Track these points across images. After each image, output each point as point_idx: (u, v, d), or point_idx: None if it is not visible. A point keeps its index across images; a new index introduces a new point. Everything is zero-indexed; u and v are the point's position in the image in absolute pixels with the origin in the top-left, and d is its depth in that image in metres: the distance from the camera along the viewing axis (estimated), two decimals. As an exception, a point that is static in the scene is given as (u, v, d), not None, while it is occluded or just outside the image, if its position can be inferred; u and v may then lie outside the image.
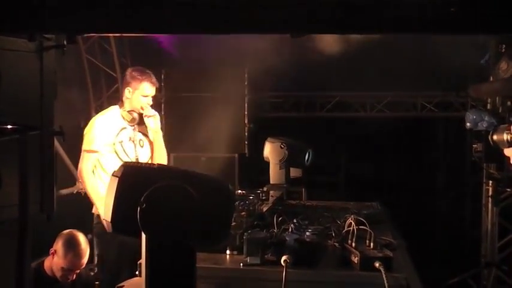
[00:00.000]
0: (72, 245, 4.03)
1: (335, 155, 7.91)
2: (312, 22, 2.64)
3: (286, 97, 8.14)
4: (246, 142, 7.68)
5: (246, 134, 7.69)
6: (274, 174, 5.38)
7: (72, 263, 4.02)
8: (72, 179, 7.00)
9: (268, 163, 5.42)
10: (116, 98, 7.17)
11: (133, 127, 4.88)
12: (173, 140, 5.58)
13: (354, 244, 3.46)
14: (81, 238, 4.12)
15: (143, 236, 2.55)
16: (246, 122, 7.72)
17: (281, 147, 5.38)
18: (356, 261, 3.30)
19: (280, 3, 2.62)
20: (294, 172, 5.54)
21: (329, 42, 6.59)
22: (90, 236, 7.16)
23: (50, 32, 3.17)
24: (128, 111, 4.85)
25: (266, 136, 5.54)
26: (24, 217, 3.23)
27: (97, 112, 7.15)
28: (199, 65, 6.72)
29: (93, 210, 4.81)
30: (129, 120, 4.84)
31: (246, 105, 7.76)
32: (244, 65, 7.05)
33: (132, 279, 3.45)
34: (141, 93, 4.82)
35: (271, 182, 5.32)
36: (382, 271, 3.07)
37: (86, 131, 4.72)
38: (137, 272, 3.62)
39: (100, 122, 4.77)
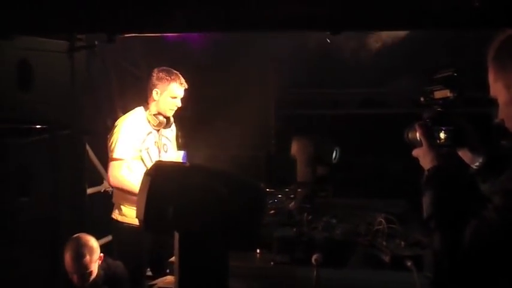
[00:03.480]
0: (69, 248, 3.95)
1: (361, 152, 7.84)
2: (349, 20, 2.64)
3: (313, 94, 8.09)
4: (273, 140, 7.64)
5: (273, 131, 7.66)
6: (301, 172, 5.32)
7: (70, 266, 3.94)
8: (98, 177, 7.02)
9: (295, 161, 5.38)
10: (141, 97, 7.22)
11: (158, 131, 4.67)
12: (199, 139, 5.56)
13: (384, 243, 3.44)
14: (83, 241, 3.98)
15: (176, 234, 2.55)
16: (272, 119, 7.69)
17: (308, 144, 5.35)
18: (387, 260, 3.28)
19: (319, 2, 2.62)
20: (321, 170, 5.49)
21: (355, 39, 6.55)
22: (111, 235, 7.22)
23: (89, 33, 3.20)
24: (154, 115, 4.61)
25: (293, 134, 5.51)
26: (56, 216, 3.28)
27: (122, 111, 7.20)
28: (225, 63, 6.70)
29: (114, 215, 4.65)
30: (155, 124, 4.61)
31: (272, 103, 7.73)
32: (271, 62, 7.02)
33: (164, 277, 3.47)
34: (169, 94, 4.58)
35: (298, 180, 5.26)
36: (414, 270, 3.04)
37: (112, 139, 4.47)
38: (168, 271, 3.64)
39: (125, 129, 4.50)
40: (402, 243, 3.50)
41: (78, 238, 3.94)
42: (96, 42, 3.33)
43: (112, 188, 4.79)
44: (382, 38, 6.49)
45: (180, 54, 6.38)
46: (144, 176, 2.71)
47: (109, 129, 7.04)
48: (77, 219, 3.86)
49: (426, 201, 2.06)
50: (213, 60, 6.70)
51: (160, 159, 4.60)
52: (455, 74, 2.20)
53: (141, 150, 4.47)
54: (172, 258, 3.53)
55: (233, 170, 2.86)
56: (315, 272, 3.03)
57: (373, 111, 8.06)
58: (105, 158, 6.77)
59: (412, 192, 5.86)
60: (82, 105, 3.67)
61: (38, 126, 3.30)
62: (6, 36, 3.00)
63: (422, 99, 2.33)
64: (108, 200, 7.05)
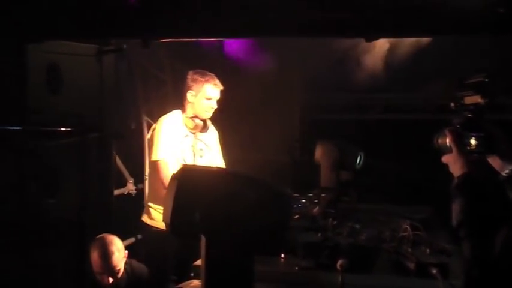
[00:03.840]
0: (96, 249, 3.99)
1: (385, 158, 7.80)
2: (384, 26, 2.64)
3: (338, 99, 8.07)
4: (297, 144, 7.64)
5: (297, 136, 7.65)
6: (325, 177, 5.31)
7: (100, 266, 3.97)
8: (122, 179, 7.07)
9: (319, 166, 5.38)
10: (165, 101, 7.25)
11: (194, 135, 4.66)
12: (224, 142, 5.54)
13: (409, 249, 3.42)
14: (108, 240, 4.02)
15: (202, 238, 2.56)
16: (297, 124, 7.69)
17: (332, 150, 5.33)
18: (412, 267, 3.26)
19: (354, 8, 2.62)
20: (345, 175, 5.48)
21: (379, 44, 6.53)
22: (140, 236, 7.27)
23: (125, 38, 3.23)
24: (191, 118, 4.61)
25: (317, 138, 5.49)
26: (82, 218, 3.32)
27: (147, 114, 7.24)
28: (250, 67, 6.71)
29: (143, 218, 4.65)
30: (191, 127, 4.60)
31: (297, 107, 7.73)
32: (297, 66, 7.02)
33: (189, 281, 3.48)
34: (204, 96, 4.57)
35: (322, 184, 5.25)
36: (439, 278, 3.02)
37: (153, 142, 4.49)
38: (192, 274, 3.65)
39: (162, 132, 4.50)
40: (427, 250, 3.49)
41: (105, 238, 3.97)
42: (124, 46, 3.35)
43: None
44: (405, 43, 6.46)
45: (205, 57, 6.40)
46: (171, 179, 2.73)
47: (133, 132, 7.17)
48: (103, 221, 3.89)
49: (456, 208, 2.05)
50: (238, 64, 6.72)
51: (196, 163, 4.58)
52: (487, 80, 2.18)
53: (178, 153, 4.46)
54: (197, 262, 3.56)
55: (257, 174, 2.84)
56: (339, 278, 3.03)
57: (398, 117, 8.02)
58: (131, 160, 6.85)
59: (437, 199, 5.83)
60: (110, 109, 3.71)
61: (67, 129, 3.33)
62: (38, 41, 3.04)
63: (452, 104, 2.31)
64: (132, 202, 7.13)
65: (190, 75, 4.61)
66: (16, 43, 3.03)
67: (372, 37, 2.77)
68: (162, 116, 7.08)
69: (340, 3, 2.70)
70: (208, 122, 4.67)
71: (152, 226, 4.48)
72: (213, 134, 4.82)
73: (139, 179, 7.27)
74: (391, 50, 6.62)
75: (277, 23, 2.78)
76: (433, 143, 2.42)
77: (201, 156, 4.66)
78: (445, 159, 2.27)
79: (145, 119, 7.21)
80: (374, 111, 8.08)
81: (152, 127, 4.62)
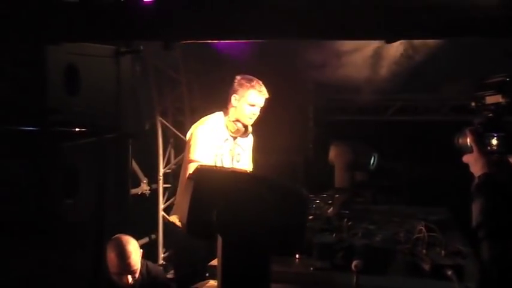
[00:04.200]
0: (114, 248, 4.00)
1: (398, 159, 7.78)
2: (405, 28, 2.65)
3: (351, 100, 8.07)
4: (311, 145, 7.65)
5: (311, 137, 7.67)
6: (339, 178, 5.32)
7: (119, 266, 4.00)
8: (136, 180, 7.11)
9: (333, 167, 5.38)
10: (180, 101, 7.29)
11: (234, 139, 4.62)
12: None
13: (424, 251, 3.42)
14: (126, 240, 4.05)
15: (219, 239, 2.57)
16: (311, 125, 7.70)
17: (346, 151, 5.34)
18: (427, 269, 3.26)
19: (374, 11, 2.64)
20: (359, 176, 5.48)
21: (393, 45, 6.52)
22: (154, 236, 7.32)
23: (147, 40, 3.25)
24: (233, 121, 4.56)
25: (331, 139, 5.50)
26: (100, 218, 3.35)
27: (161, 115, 7.28)
28: (264, 68, 6.70)
29: (171, 218, 4.64)
30: (233, 131, 4.55)
31: (311, 108, 7.74)
32: (310, 67, 7.01)
33: (205, 281, 3.49)
34: (247, 101, 4.52)
35: (336, 185, 5.27)
36: (455, 280, 3.02)
37: (192, 141, 4.42)
38: (207, 274, 3.67)
39: (204, 132, 4.45)
40: (443, 252, 3.48)
41: (121, 238, 3.99)
42: (141, 47, 3.38)
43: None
44: (420, 43, 6.44)
45: (220, 58, 6.41)
46: (188, 179, 2.74)
47: (147, 132, 7.21)
48: (120, 221, 3.91)
49: (475, 209, 2.04)
50: (252, 65, 6.72)
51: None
52: (508, 79, 2.18)
53: (216, 155, 4.45)
54: (213, 262, 3.57)
55: (272, 175, 2.85)
56: (354, 279, 3.03)
57: (412, 118, 8.00)
58: (145, 160, 6.89)
59: (452, 200, 5.80)
60: (127, 109, 3.73)
61: (85, 130, 3.36)
62: (59, 43, 3.07)
63: (473, 104, 2.31)
64: (146, 202, 7.18)
65: (237, 80, 4.56)
66: (36, 44, 3.06)
67: (392, 38, 2.78)
68: (177, 117, 7.24)
69: (361, 6, 2.71)
70: (250, 128, 4.64)
71: (180, 227, 4.44)
72: (250, 140, 4.82)
73: (153, 179, 7.32)
74: (405, 51, 6.60)
75: (298, 26, 2.79)
76: (451, 143, 2.42)
77: (238, 161, 4.64)
78: (466, 159, 2.26)
79: (159, 119, 7.26)
80: (388, 112, 8.07)
81: (194, 125, 4.57)
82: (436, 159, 7.85)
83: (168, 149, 7.42)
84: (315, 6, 2.75)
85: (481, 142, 2.20)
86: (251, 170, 4.84)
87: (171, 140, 7.35)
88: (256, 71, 6.43)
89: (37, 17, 2.90)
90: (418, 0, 2.70)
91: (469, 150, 2.25)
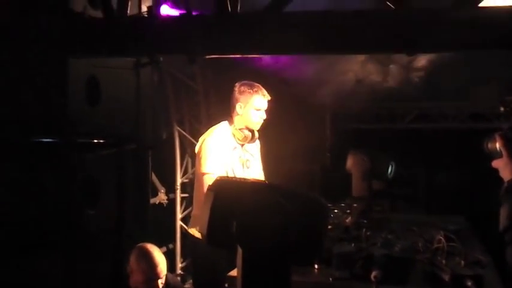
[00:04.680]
0: (144, 256, 4.02)
1: (416, 167, 7.77)
2: (424, 41, 2.66)
3: (368, 108, 8.07)
4: (328, 154, 7.65)
5: (328, 145, 7.67)
6: (357, 186, 5.32)
7: (148, 273, 4.01)
8: (154, 189, 7.13)
9: (350, 175, 5.38)
10: (197, 111, 7.31)
11: (242, 146, 4.65)
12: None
13: (443, 261, 3.41)
14: (153, 248, 4.08)
15: (239, 249, 2.58)
16: (328, 133, 7.71)
17: (363, 159, 5.34)
18: (446, 279, 3.25)
19: (395, 24, 2.65)
20: (377, 184, 5.47)
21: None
22: (171, 246, 7.33)
23: (170, 54, 3.27)
24: (240, 129, 4.59)
25: (349, 148, 5.50)
26: (120, 229, 3.38)
27: (178, 124, 7.30)
28: (281, 76, 6.72)
29: (190, 231, 4.66)
30: (240, 138, 4.59)
31: (328, 116, 7.74)
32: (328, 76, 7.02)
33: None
34: (253, 107, 4.56)
35: (354, 194, 5.27)
36: (475, 290, 3.01)
37: (202, 153, 4.46)
38: (227, 285, 3.68)
39: (213, 143, 4.49)
40: (462, 261, 3.47)
41: (148, 246, 4.02)
42: (160, 58, 3.41)
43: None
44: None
45: (236, 67, 6.43)
46: (207, 191, 2.75)
47: (164, 141, 7.23)
48: (140, 231, 3.93)
49: (503, 213, 2.04)
50: (269, 73, 6.74)
51: (244, 175, 4.60)
52: None
53: (227, 164, 4.48)
54: (232, 273, 3.59)
55: (290, 184, 2.86)
56: (374, 289, 3.03)
57: (430, 126, 7.98)
58: (162, 169, 6.90)
59: (470, 208, 5.76)
60: (146, 120, 3.76)
61: (105, 141, 3.39)
62: (85, 56, 3.12)
63: (502, 109, 2.32)
64: (163, 211, 7.20)
65: (237, 87, 4.60)
66: (60, 57, 3.10)
67: (413, 51, 2.79)
68: (194, 126, 7.26)
69: (382, 20, 2.73)
70: (256, 134, 4.68)
71: (200, 239, 4.45)
72: (257, 145, 4.85)
73: (170, 188, 7.34)
74: (422, 59, 6.59)
75: (318, 40, 2.81)
76: (469, 150, 2.42)
77: (248, 167, 4.68)
78: (495, 164, 2.26)
79: (177, 128, 7.28)
80: (405, 120, 8.06)
81: (201, 138, 4.60)
82: (453, 167, 7.84)
83: (186, 159, 7.44)
84: (334, 21, 2.77)
85: (511, 147, 2.19)
86: (262, 175, 4.88)
87: (188, 150, 7.37)
88: (272, 78, 6.48)
89: (62, 31, 2.94)
90: (433, 14, 2.71)
91: (499, 155, 2.26)
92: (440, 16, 2.67)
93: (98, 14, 3.43)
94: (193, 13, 2.95)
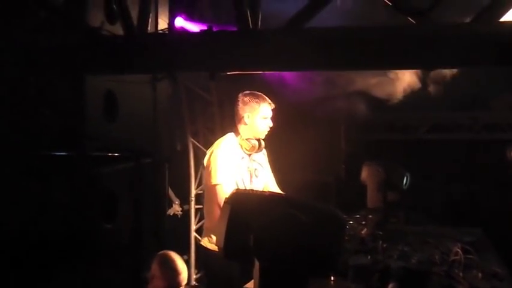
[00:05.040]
0: (167, 262, 4.06)
1: (431, 178, 7.73)
2: (444, 56, 2.67)
3: (383, 119, 8.06)
4: (343, 165, 7.64)
5: (343, 156, 7.66)
6: (372, 198, 5.30)
7: (171, 280, 4.04)
8: (168, 201, 7.14)
9: (365, 187, 5.36)
10: (211, 122, 7.33)
11: (249, 156, 4.66)
12: (270, 164, 5.56)
13: (461, 274, 3.39)
14: (176, 256, 4.13)
15: (256, 262, 2.58)
16: (343, 144, 7.70)
17: (378, 170, 5.32)
18: (464, 292, 3.23)
19: (415, 40, 2.66)
20: (392, 196, 5.44)
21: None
22: (186, 257, 7.33)
23: (192, 71, 3.28)
24: (247, 139, 4.61)
25: (363, 159, 5.48)
26: (138, 242, 3.40)
27: (193, 135, 7.32)
28: (293, 87, 6.73)
29: (203, 242, 4.67)
30: (248, 148, 4.61)
31: (343, 127, 7.73)
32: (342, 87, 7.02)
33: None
34: (261, 116, 4.58)
35: (368, 206, 5.24)
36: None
37: (211, 165, 4.45)
38: (241, 297, 3.68)
39: (221, 154, 4.49)
40: (479, 274, 3.44)
41: (172, 254, 4.05)
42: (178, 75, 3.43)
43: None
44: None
45: (249, 78, 6.44)
46: (224, 204, 2.76)
47: (179, 153, 7.25)
48: (156, 243, 3.95)
49: None
50: (282, 84, 6.76)
51: (253, 184, 4.62)
52: None
53: (236, 175, 4.50)
54: (247, 285, 3.58)
55: (306, 196, 2.87)
56: (391, 302, 3.02)
57: (444, 136, 7.95)
58: (177, 181, 6.90)
59: (486, 220, 5.71)
60: (162, 133, 3.79)
61: (123, 155, 3.41)
62: (104, 73, 3.14)
63: None
64: (178, 223, 7.21)
65: (241, 98, 4.63)
66: (78, 74, 3.13)
67: (433, 67, 2.80)
68: (208, 138, 7.27)
69: (402, 35, 2.73)
70: (262, 142, 4.70)
71: (214, 251, 4.45)
72: (264, 154, 4.87)
73: (185, 200, 7.36)
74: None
75: (342, 56, 2.82)
76: (505, 155, 2.42)
77: (256, 176, 4.70)
78: None
79: (191, 140, 7.30)
80: (420, 130, 8.03)
81: (209, 151, 4.62)
82: (468, 177, 7.80)
83: (200, 170, 7.44)
84: (354, 37, 2.78)
85: None
86: (275, 183, 4.90)
87: (203, 161, 7.38)
88: (286, 90, 6.49)
89: (82, 48, 2.98)
90: (454, 28, 2.72)
91: None
92: (461, 31, 2.66)
93: (115, 29, 3.48)
94: (214, 29, 2.96)
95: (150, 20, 3.16)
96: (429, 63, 2.74)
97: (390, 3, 2.70)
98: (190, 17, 6.48)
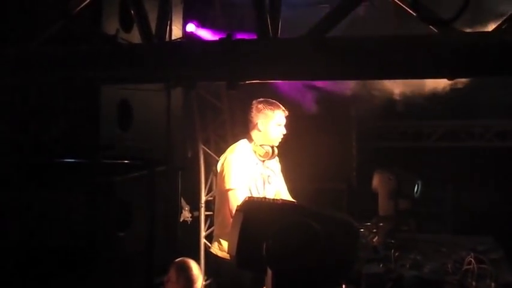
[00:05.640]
0: (184, 270, 4.10)
1: (443, 186, 7.71)
2: (467, 66, 2.65)
3: (394, 127, 8.05)
4: (354, 173, 7.63)
5: (354, 164, 7.65)
6: (383, 205, 5.28)
7: (186, 287, 4.09)
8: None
9: (376, 194, 5.35)
10: (222, 129, 7.34)
11: (263, 162, 4.68)
12: (282, 171, 5.57)
13: (474, 283, 3.38)
14: (193, 264, 4.18)
15: (269, 271, 2.58)
16: (354, 152, 7.69)
17: (390, 178, 5.30)
18: (478, 301, 3.22)
19: (437, 49, 2.65)
20: (403, 204, 5.43)
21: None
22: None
23: (210, 80, 3.25)
24: (261, 145, 4.64)
25: (374, 167, 5.47)
26: (151, 250, 3.42)
27: (204, 143, 7.33)
28: (307, 96, 6.73)
29: (213, 250, 4.68)
30: (261, 154, 4.64)
31: (354, 135, 7.73)
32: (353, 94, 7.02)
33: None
34: (276, 123, 4.62)
35: (380, 213, 5.23)
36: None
37: (226, 171, 4.48)
38: (255, 305, 3.67)
39: (236, 160, 4.53)
40: (493, 284, 3.43)
41: (191, 262, 4.09)
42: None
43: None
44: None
45: (261, 86, 6.44)
46: (236, 211, 2.76)
47: (189, 160, 7.26)
48: (169, 252, 3.96)
49: None
50: (295, 92, 6.76)
51: (265, 190, 4.63)
52: None
53: (250, 181, 4.52)
54: (260, 293, 3.57)
55: (314, 203, 2.86)
56: (404, 311, 3.01)
57: (456, 144, 7.93)
58: (187, 187, 6.90)
59: (499, 228, 5.68)
60: (175, 140, 3.79)
61: (136, 163, 3.42)
62: (124, 82, 3.15)
63: None
64: (188, 229, 7.21)
65: (256, 105, 4.66)
66: (92, 83, 3.14)
67: (455, 77, 2.78)
68: (219, 145, 7.28)
69: (423, 44, 2.72)
70: (275, 149, 4.72)
71: (224, 258, 4.45)
72: (277, 161, 4.88)
73: (195, 206, 7.37)
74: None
75: (362, 66, 2.81)
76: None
77: (269, 183, 4.72)
78: None
79: (202, 147, 7.31)
80: (431, 138, 8.02)
81: (223, 156, 4.64)
82: (480, 186, 7.77)
83: (210, 177, 7.46)
84: (374, 46, 2.77)
85: None
86: (287, 191, 4.90)
87: (214, 168, 7.39)
88: (298, 98, 6.49)
89: (100, 57, 2.98)
90: (478, 38, 2.70)
91: None
92: (483, 40, 2.65)
93: (130, 37, 3.49)
94: (233, 37, 2.95)
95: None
96: (452, 74, 2.72)
97: (414, 14, 2.68)
98: (202, 24, 6.51)
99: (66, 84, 3.15)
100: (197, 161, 7.27)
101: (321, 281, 2.61)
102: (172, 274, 4.05)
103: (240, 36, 3.11)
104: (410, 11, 2.72)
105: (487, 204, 7.55)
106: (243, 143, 4.66)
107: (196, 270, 4.10)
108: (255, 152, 4.61)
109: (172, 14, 3.78)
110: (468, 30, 2.82)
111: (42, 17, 3.18)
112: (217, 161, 4.73)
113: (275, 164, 4.85)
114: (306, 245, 2.54)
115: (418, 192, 5.44)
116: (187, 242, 7.16)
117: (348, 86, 6.40)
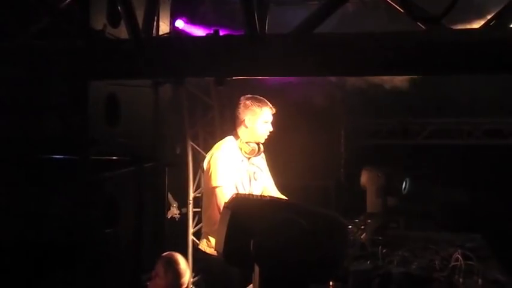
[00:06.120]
0: (171, 264, 4.10)
1: (431, 183, 7.73)
2: (455, 63, 2.66)
3: (382, 124, 8.07)
4: (342, 170, 7.65)
5: (342, 161, 7.67)
6: (371, 202, 5.29)
7: (172, 282, 4.08)
8: (167, 203, 7.13)
9: (365, 191, 5.36)
10: (211, 126, 7.33)
11: (248, 159, 4.69)
12: (270, 168, 5.57)
13: (461, 280, 3.39)
14: (180, 258, 4.18)
15: (256, 268, 2.57)
16: (342, 149, 7.70)
17: (378, 175, 5.31)
18: (465, 298, 3.23)
19: (425, 46, 2.66)
20: (392, 201, 5.44)
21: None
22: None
23: (198, 76, 3.24)
24: (246, 143, 4.65)
25: (363, 164, 5.48)
26: (138, 246, 3.41)
27: (192, 139, 7.32)
28: (294, 92, 6.73)
29: (201, 246, 4.68)
30: (247, 152, 4.65)
31: (342, 132, 7.74)
32: (340, 92, 7.03)
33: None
34: (262, 120, 4.62)
35: (368, 210, 5.24)
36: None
37: (212, 168, 4.47)
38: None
39: (222, 157, 4.52)
40: (480, 280, 3.44)
41: (179, 256, 4.08)
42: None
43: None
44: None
45: (250, 82, 6.43)
46: (224, 208, 2.75)
47: (178, 156, 7.25)
48: (156, 248, 3.95)
49: None
50: (282, 89, 6.76)
51: (252, 187, 4.65)
52: None
53: (236, 178, 4.52)
54: (248, 289, 3.58)
55: (302, 200, 2.86)
56: (392, 308, 3.01)
57: (444, 142, 7.95)
58: (174, 182, 6.89)
59: (487, 225, 5.71)
60: (163, 137, 3.78)
61: (124, 159, 3.41)
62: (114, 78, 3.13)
63: None
64: (176, 226, 7.20)
65: (243, 102, 4.66)
66: (81, 79, 3.12)
67: (443, 73, 2.79)
68: (208, 141, 7.27)
69: (411, 41, 2.73)
70: (261, 146, 4.72)
71: (212, 255, 4.45)
72: (262, 158, 4.88)
73: (183, 203, 7.35)
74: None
75: (351, 62, 2.81)
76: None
77: (255, 180, 4.73)
78: None
79: (190, 143, 7.30)
80: (420, 136, 8.04)
81: (209, 154, 4.63)
82: (468, 183, 7.79)
83: (198, 173, 7.44)
84: (364, 43, 2.77)
85: None
86: (274, 187, 4.92)
87: (201, 164, 7.38)
88: (287, 95, 6.49)
89: (87, 52, 2.96)
90: (465, 34, 2.71)
91: None
92: (471, 37, 2.65)
93: (117, 32, 3.47)
94: (220, 33, 2.94)
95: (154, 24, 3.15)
96: (442, 70, 2.73)
97: (403, 11, 2.69)
98: (192, 20, 6.49)
99: (53, 79, 3.12)
100: (185, 157, 7.27)
101: (308, 277, 2.61)
102: (159, 268, 4.04)
103: (230, 32, 3.10)
104: (399, 8, 2.73)
105: (475, 201, 7.58)
106: (228, 140, 4.66)
107: (184, 265, 4.10)
108: (240, 149, 4.62)
109: (160, 9, 3.77)
110: (457, 27, 2.83)
111: (30, 11, 3.15)
112: (205, 158, 4.73)
113: (261, 161, 4.85)
114: (293, 242, 2.53)
115: (406, 189, 5.46)
116: (175, 238, 7.17)
117: (336, 83, 6.41)
